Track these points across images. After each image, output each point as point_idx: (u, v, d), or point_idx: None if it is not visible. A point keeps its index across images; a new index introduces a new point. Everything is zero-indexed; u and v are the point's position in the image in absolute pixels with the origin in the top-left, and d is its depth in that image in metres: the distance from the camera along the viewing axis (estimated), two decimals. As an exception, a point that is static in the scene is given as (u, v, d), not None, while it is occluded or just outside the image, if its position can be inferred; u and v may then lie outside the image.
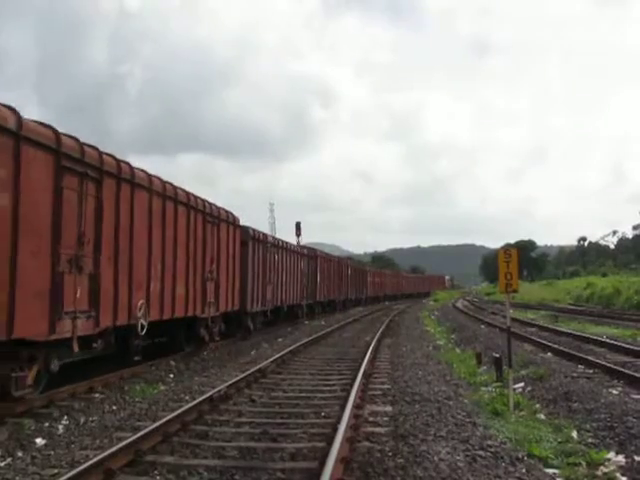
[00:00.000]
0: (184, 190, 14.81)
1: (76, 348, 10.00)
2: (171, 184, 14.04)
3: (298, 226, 56.41)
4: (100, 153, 10.85)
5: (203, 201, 16.18)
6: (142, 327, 12.30)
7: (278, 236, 29.99)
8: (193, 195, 15.37)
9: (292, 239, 50.90)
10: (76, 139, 10.15)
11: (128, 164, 12.05)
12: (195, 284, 15.42)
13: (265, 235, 24.87)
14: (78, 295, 9.95)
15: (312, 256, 34.91)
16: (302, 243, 49.36)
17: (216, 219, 17.19)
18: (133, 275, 11.94)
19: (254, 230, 22.54)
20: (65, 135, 9.78)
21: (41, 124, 9.42)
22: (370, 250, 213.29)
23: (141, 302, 12.25)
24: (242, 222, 20.27)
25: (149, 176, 12.86)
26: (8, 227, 8.31)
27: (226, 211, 18.35)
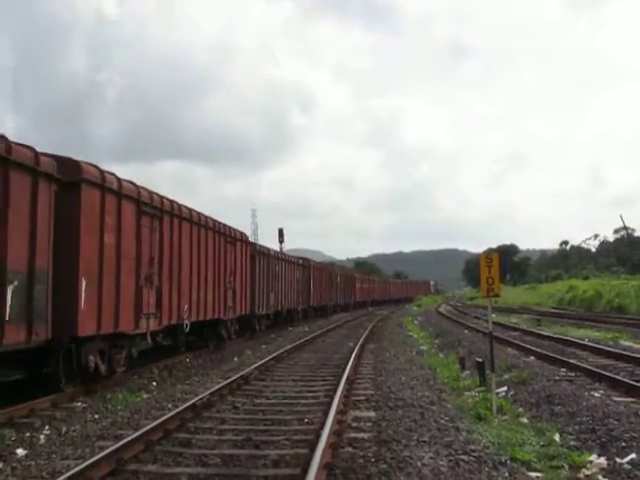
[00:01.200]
0: (212, 218, 18.22)
1: (149, 340, 13.73)
2: (203, 214, 17.32)
3: (281, 232, 56.43)
4: (161, 197, 14.23)
5: (225, 226, 19.70)
6: (186, 326, 15.64)
7: (261, 242, 31.70)
8: (218, 222, 18.85)
9: (275, 245, 51.05)
10: (147, 189, 13.43)
11: (177, 203, 15.21)
12: (219, 292, 18.94)
13: (268, 249, 28.85)
14: (150, 302, 13.43)
15: (306, 265, 38.05)
16: (285, 249, 49.46)
17: (233, 239, 20.80)
18: (181, 286, 15.33)
19: (260, 245, 28.01)
20: (142, 188, 13.12)
21: (129, 182, 12.54)
22: (353, 256, 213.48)
23: (186, 307, 15.60)
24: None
25: (190, 210, 16.18)
26: (114, 256, 11.81)
27: (240, 232, 22.23)
